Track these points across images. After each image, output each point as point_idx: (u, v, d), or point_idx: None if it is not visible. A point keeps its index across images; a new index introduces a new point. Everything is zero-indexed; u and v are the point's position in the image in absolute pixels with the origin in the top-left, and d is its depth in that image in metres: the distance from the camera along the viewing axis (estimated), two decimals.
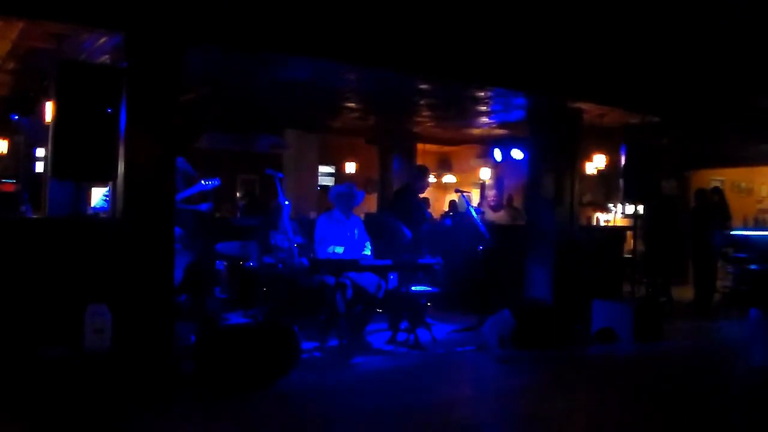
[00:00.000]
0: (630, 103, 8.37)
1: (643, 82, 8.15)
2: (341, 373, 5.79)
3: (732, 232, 10.79)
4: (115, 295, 4.85)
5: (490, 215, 13.29)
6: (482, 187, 15.34)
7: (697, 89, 8.69)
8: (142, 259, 5.09)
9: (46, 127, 5.31)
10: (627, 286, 8.84)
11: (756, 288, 9.96)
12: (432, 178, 11.43)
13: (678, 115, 9.09)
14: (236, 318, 6.64)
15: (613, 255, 9.01)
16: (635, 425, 4.80)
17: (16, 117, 8.45)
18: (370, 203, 13.66)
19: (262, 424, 4.51)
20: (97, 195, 7.60)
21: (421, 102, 9.10)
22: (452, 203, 13.07)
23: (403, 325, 6.92)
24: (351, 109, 9.79)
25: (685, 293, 10.80)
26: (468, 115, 10.13)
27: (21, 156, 9.76)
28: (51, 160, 4.72)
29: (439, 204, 14.76)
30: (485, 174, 15.11)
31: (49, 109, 5.54)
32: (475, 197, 14.45)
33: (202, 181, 6.92)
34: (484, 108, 9.29)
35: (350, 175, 14.90)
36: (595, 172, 12.72)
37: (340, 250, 6.69)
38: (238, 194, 14.47)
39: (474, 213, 8.14)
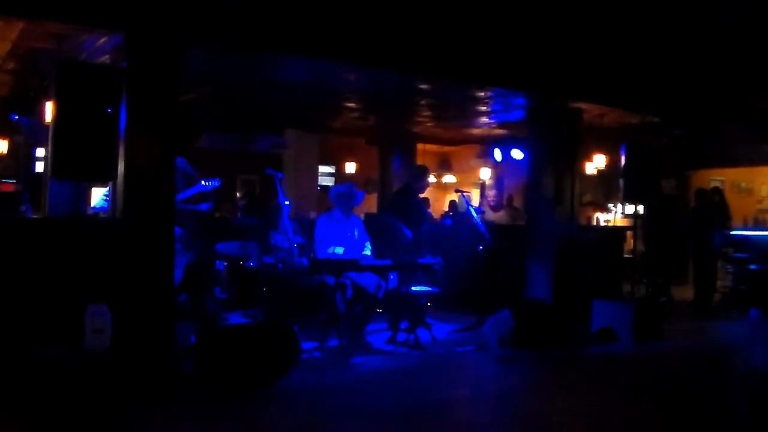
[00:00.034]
0: (630, 103, 8.37)
1: (643, 82, 8.15)
2: (341, 373, 5.79)
3: (732, 232, 10.79)
4: (115, 295, 4.85)
5: (490, 215, 13.30)
6: (482, 187, 15.34)
7: (697, 89, 8.70)
8: (142, 259, 5.09)
9: (46, 127, 5.30)
10: (627, 286, 8.84)
11: (756, 288, 9.96)
12: (432, 178, 11.45)
13: (678, 115, 9.10)
14: (236, 318, 6.63)
15: (613, 255, 9.01)
16: (635, 425, 4.80)
17: (16, 117, 8.44)
18: (370, 203, 13.66)
19: (262, 424, 4.51)
20: (97, 195, 7.61)
21: (421, 102, 9.10)
22: (452, 203, 13.08)
23: (403, 325, 6.92)
24: (351, 109, 9.80)
25: (685, 293, 10.80)
26: (468, 115, 10.13)
27: (21, 156, 9.76)
28: (51, 160, 4.72)
29: (439, 204, 14.77)
30: (485, 174, 15.11)
31: (49, 109, 5.54)
32: (475, 197, 14.46)
33: (203, 182, 6.92)
34: (484, 108, 9.30)
35: (350, 175, 14.89)
36: (595, 172, 12.72)
37: (340, 250, 6.69)
38: (238, 194, 14.47)
39: (474, 213, 8.14)
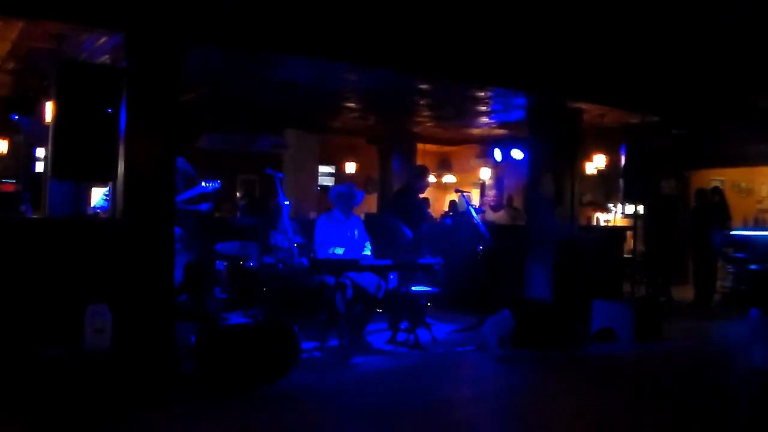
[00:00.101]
0: (630, 103, 8.37)
1: (643, 82, 8.15)
2: (341, 373, 5.79)
3: (732, 232, 10.79)
4: (115, 295, 4.85)
5: (490, 215, 13.30)
6: (482, 187, 15.34)
7: (697, 89, 8.70)
8: (142, 259, 5.09)
9: (46, 127, 5.30)
10: (627, 286, 8.84)
11: (756, 288, 9.96)
12: (432, 178, 11.45)
13: (678, 115, 9.10)
14: (236, 318, 6.64)
15: (613, 255, 9.01)
16: (635, 425, 4.80)
17: (16, 117, 8.45)
18: (370, 203, 13.67)
19: (262, 424, 4.51)
20: (97, 195, 7.62)
21: (421, 102, 9.10)
22: (452, 203, 13.08)
23: (403, 325, 6.91)
24: (351, 109, 9.80)
25: (685, 293, 10.80)
26: (468, 115, 10.14)
27: (21, 156, 9.76)
28: (51, 160, 4.72)
29: (439, 204, 14.77)
30: (485, 174, 15.12)
31: (49, 109, 5.54)
32: (475, 197, 14.46)
33: (203, 183, 6.93)
34: (484, 108, 9.30)
35: (350, 175, 14.90)
36: (595, 172, 12.71)
37: (340, 250, 6.69)
38: (238, 194, 14.48)
39: (474, 213, 8.14)
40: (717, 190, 11.25)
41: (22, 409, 4.27)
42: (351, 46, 6.17)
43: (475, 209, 8.45)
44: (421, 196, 8.45)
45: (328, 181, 15.45)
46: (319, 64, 6.69)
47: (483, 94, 8.27)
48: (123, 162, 4.98)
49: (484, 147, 14.13)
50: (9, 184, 9.86)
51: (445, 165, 16.25)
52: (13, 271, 4.77)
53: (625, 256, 9.45)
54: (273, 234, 7.19)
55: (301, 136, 13.01)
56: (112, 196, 6.15)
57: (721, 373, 6.44)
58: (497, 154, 12.16)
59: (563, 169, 8.06)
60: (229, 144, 12.13)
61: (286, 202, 7.07)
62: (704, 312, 9.99)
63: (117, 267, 4.99)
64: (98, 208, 7.53)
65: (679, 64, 8.22)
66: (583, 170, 11.26)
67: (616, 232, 10.06)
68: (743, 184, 13.30)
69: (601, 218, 13.58)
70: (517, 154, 11.35)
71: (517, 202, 13.37)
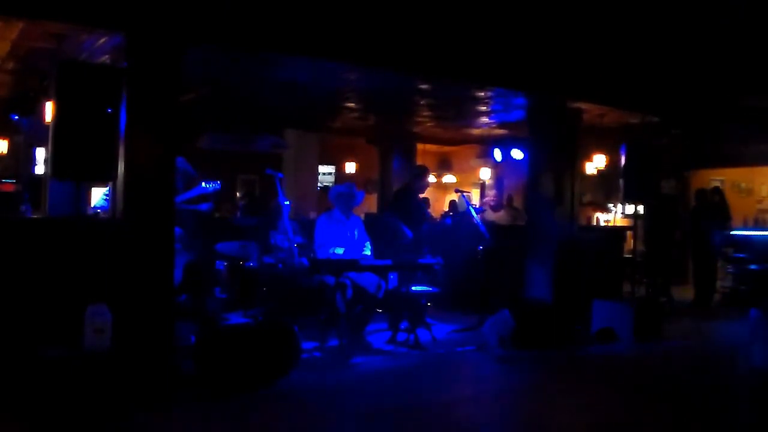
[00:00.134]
0: (630, 103, 8.37)
1: (643, 82, 8.15)
2: (341, 373, 5.79)
3: (732, 232, 10.79)
4: (115, 295, 4.85)
5: (490, 215, 13.30)
6: (482, 187, 15.34)
7: (696, 89, 8.69)
8: (142, 259, 5.09)
9: (46, 127, 5.30)
10: (627, 286, 8.83)
11: (756, 288, 9.96)
12: (432, 178, 11.45)
13: (678, 115, 9.09)
14: (236, 318, 6.63)
15: (613, 255, 9.01)
16: (635, 425, 4.81)
17: (16, 117, 8.44)
18: (370, 203, 13.66)
19: (262, 425, 4.51)
20: (97, 195, 7.61)
21: (421, 102, 9.10)
22: (452, 203, 13.08)
23: (403, 325, 6.92)
24: (351, 109, 9.79)
25: (685, 293, 10.81)
26: (468, 115, 10.13)
27: (21, 156, 9.76)
28: (51, 160, 4.72)
29: (439, 204, 14.77)
30: (485, 174, 15.12)
31: (49, 109, 5.53)
32: (475, 197, 14.46)
33: (203, 184, 6.92)
34: (484, 108, 9.30)
35: (350, 175, 14.91)
36: (595, 172, 12.72)
37: (340, 250, 6.69)
38: (238, 194, 14.48)
39: (474, 213, 8.14)
40: (717, 190, 11.25)
41: (22, 409, 4.27)
42: (351, 46, 6.17)
43: (475, 209, 8.45)
44: (421, 196, 8.45)
45: (328, 181, 15.45)
46: (319, 64, 6.69)
47: (483, 94, 8.26)
48: (123, 162, 4.97)
49: (484, 147, 14.13)
50: (9, 184, 9.85)
51: (445, 165, 16.24)
52: (13, 271, 4.78)
53: (625, 256, 9.45)
54: (273, 234, 7.18)
55: (301, 136, 13.01)
56: (112, 196, 6.15)
57: (721, 373, 6.44)
58: (497, 154, 12.15)
59: (563, 169, 8.06)
60: (229, 144, 12.12)
61: (286, 202, 7.07)
62: (704, 312, 9.99)
63: (117, 267, 4.99)
64: (98, 208, 7.53)
65: (678, 64, 8.21)
66: (583, 170, 11.28)
67: (616, 232, 10.06)
68: (743, 184, 13.30)
69: (601, 218, 13.59)
70: (517, 154, 11.35)
71: (517, 202, 13.36)
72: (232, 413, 4.59)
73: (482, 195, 15.08)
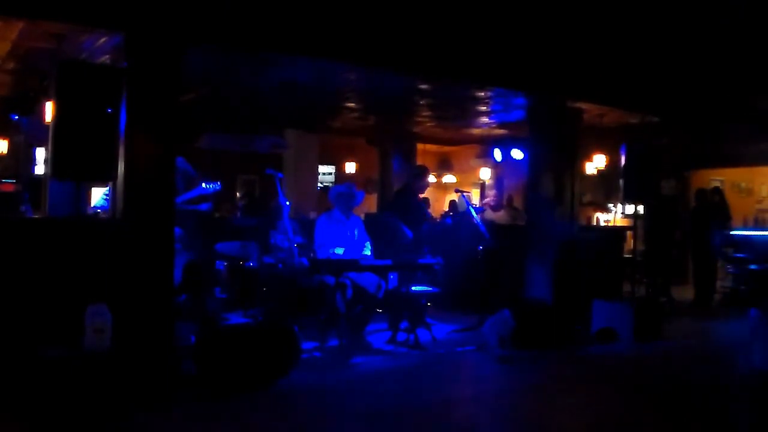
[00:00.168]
0: (630, 103, 8.37)
1: (643, 82, 8.15)
2: (341, 373, 5.79)
3: (732, 232, 10.79)
4: (115, 295, 4.85)
5: (490, 215, 13.29)
6: (482, 187, 15.34)
7: (697, 89, 8.69)
8: (142, 259, 5.09)
9: (46, 127, 5.30)
10: (627, 286, 8.83)
11: (756, 288, 9.96)
12: (432, 178, 11.44)
13: (678, 115, 9.09)
14: (236, 318, 6.63)
15: (613, 255, 9.00)
16: (635, 425, 4.81)
17: (16, 117, 8.44)
18: (370, 203, 13.66)
19: (262, 425, 4.51)
20: (97, 195, 7.61)
21: (421, 102, 9.10)
22: (452, 203, 13.07)
23: (403, 325, 6.92)
24: (351, 109, 9.79)
25: (685, 293, 10.81)
26: (468, 115, 10.13)
27: (21, 156, 9.75)
28: (51, 160, 4.72)
29: (439, 204, 14.77)
30: (485, 174, 15.11)
31: (49, 109, 5.54)
32: (475, 197, 14.45)
33: (203, 185, 6.92)
34: (484, 108, 9.30)
35: (350, 175, 14.90)
36: (595, 172, 12.71)
37: (340, 250, 6.69)
38: (238, 194, 14.47)
39: (474, 213, 8.14)
40: (717, 190, 11.25)
41: (22, 409, 4.27)
42: (351, 46, 6.17)
43: (475, 209, 8.45)
44: (421, 196, 8.44)
45: (328, 181, 15.45)
46: (319, 64, 6.69)
47: (483, 94, 8.26)
48: (123, 162, 4.98)
49: (484, 147, 14.13)
50: (9, 184, 9.85)
51: (445, 165, 16.24)
52: (13, 271, 4.77)
53: (625, 256, 9.45)
54: (273, 234, 7.18)
55: (301, 136, 13.00)
56: (112, 196, 6.15)
57: (721, 373, 6.44)
58: (497, 154, 12.14)
59: (563, 169, 8.06)
60: (229, 144, 12.12)
61: (287, 203, 7.07)
62: (704, 312, 9.99)
63: (117, 267, 4.99)
64: (98, 208, 7.53)
65: (679, 64, 8.21)
66: (583, 170, 11.27)
67: (616, 232, 10.06)
68: (743, 184, 13.30)
69: (601, 218, 13.58)
70: (517, 154, 11.34)
71: (517, 202, 13.36)
72: (232, 413, 4.59)
73: (482, 195, 15.07)
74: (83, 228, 5.20)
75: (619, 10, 7.20)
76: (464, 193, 8.46)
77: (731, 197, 11.64)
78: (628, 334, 7.37)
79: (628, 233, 9.54)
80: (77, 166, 4.72)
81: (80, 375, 4.41)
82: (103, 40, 5.46)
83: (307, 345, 6.01)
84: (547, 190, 8.03)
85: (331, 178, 15.79)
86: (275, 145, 12.53)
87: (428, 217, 8.83)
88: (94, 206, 7.57)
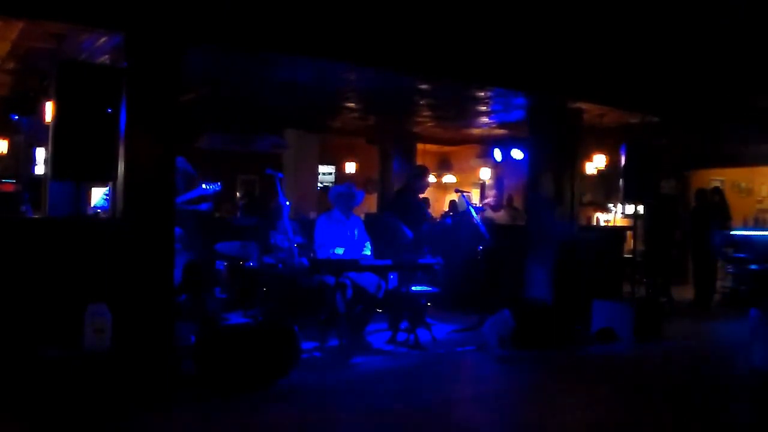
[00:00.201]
0: (630, 103, 8.37)
1: (643, 82, 8.15)
2: (341, 373, 5.79)
3: (732, 232, 10.79)
4: (115, 295, 4.85)
5: (490, 215, 13.29)
6: (482, 187, 15.34)
7: (696, 89, 8.69)
8: (142, 259, 5.09)
9: (46, 127, 5.31)
10: (627, 286, 8.84)
11: (756, 288, 9.96)
12: (432, 178, 11.44)
13: (678, 115, 9.09)
14: (236, 318, 6.64)
15: (613, 255, 9.01)
16: (635, 425, 4.81)
17: (16, 117, 8.45)
18: (370, 203, 13.66)
19: (262, 425, 4.51)
20: (97, 195, 7.61)
21: (421, 102, 9.09)
22: (452, 203, 13.07)
23: (403, 325, 6.91)
24: (351, 109, 9.79)
25: (685, 293, 10.81)
26: (468, 115, 10.13)
27: (21, 156, 9.75)
28: (51, 161, 4.72)
29: (439, 204, 14.77)
30: (485, 174, 15.11)
31: (49, 109, 5.54)
32: (475, 197, 14.45)
33: (203, 186, 6.93)
34: (484, 108, 9.29)
35: (350, 175, 14.90)
36: (595, 172, 12.72)
37: (340, 250, 6.69)
38: (238, 194, 14.47)
39: (474, 213, 8.13)
40: (717, 190, 11.25)
41: (22, 409, 4.27)
42: (351, 46, 6.17)
43: (475, 209, 8.45)
44: (421, 196, 8.45)
45: (328, 181, 15.45)
46: (319, 64, 6.69)
47: (483, 94, 8.26)
48: (123, 162, 4.98)
49: (484, 147, 14.13)
50: (9, 184, 9.86)
51: (445, 165, 16.24)
52: (13, 271, 4.77)
53: (625, 256, 9.46)
54: (273, 234, 7.19)
55: (301, 136, 13.00)
56: (112, 196, 6.15)
57: (721, 373, 6.44)
58: (497, 154, 12.15)
59: (563, 169, 8.06)
60: (229, 144, 12.12)
61: (287, 203, 7.07)
62: (704, 312, 10.00)
63: (117, 267, 4.99)
64: (98, 208, 7.53)
65: (678, 64, 8.21)
66: (583, 170, 11.27)
67: (616, 232, 10.07)
68: (743, 184, 13.31)
69: (601, 218, 13.59)
70: (517, 154, 11.34)
71: (517, 202, 13.37)
72: (232, 413, 4.59)
73: (482, 195, 15.07)
74: (83, 228, 5.20)
75: (619, 10, 7.20)
76: (464, 193, 8.46)
77: (731, 197, 11.64)
78: (628, 334, 7.37)
79: (628, 233, 9.54)
80: (77, 166, 4.72)
81: (80, 375, 4.41)
82: (103, 40, 5.46)
83: (307, 345, 6.01)
84: (547, 190, 8.03)
85: (331, 178, 15.79)
86: (275, 145, 12.54)
87: (428, 217, 8.84)
88: (94, 206, 7.58)
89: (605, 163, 12.35)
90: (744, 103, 9.15)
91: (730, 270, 10.73)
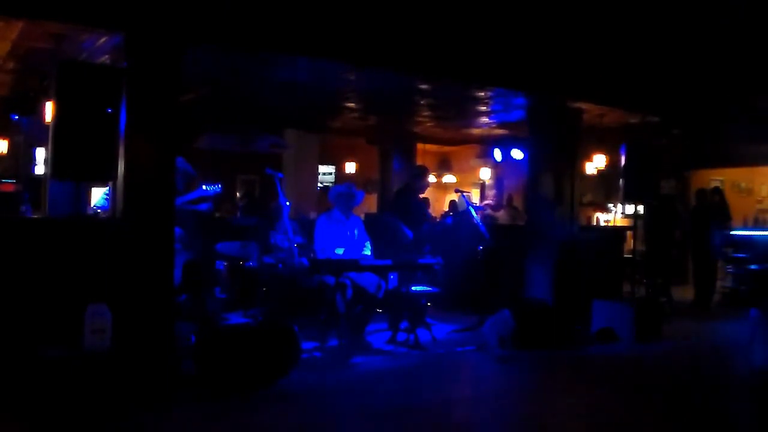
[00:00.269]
0: (630, 103, 8.37)
1: (643, 82, 8.15)
2: (341, 373, 5.79)
3: (732, 232, 10.79)
4: (115, 295, 4.85)
5: (490, 214, 13.30)
6: (482, 187, 15.34)
7: (697, 89, 8.69)
8: (142, 259, 5.10)
9: (46, 127, 5.30)
10: (627, 286, 8.83)
11: (756, 288, 9.96)
12: (432, 178, 11.45)
13: (678, 115, 9.10)
14: (236, 318, 6.63)
15: (613, 255, 9.00)
16: (635, 425, 4.80)
17: (16, 117, 8.45)
18: (370, 203, 13.66)
19: (262, 424, 4.51)
20: (97, 195, 7.61)
21: (421, 102, 9.10)
22: (452, 203, 13.07)
23: (403, 325, 6.92)
24: (351, 109, 9.79)
25: (685, 293, 10.80)
26: (468, 115, 10.13)
27: (21, 156, 9.76)
28: (51, 160, 4.72)
29: (439, 204, 14.77)
30: (485, 174, 15.12)
31: (49, 109, 5.54)
32: (475, 197, 14.46)
33: (204, 187, 6.93)
34: (484, 108, 9.30)
35: (350, 175, 14.91)
36: (595, 172, 12.72)
37: (340, 250, 6.69)
38: (238, 194, 14.48)
39: (474, 212, 8.13)
40: (717, 190, 11.25)
41: (22, 409, 4.27)
42: (351, 46, 6.17)
43: (475, 208, 8.45)
44: (421, 196, 8.45)
45: (328, 181, 15.45)
46: (319, 64, 6.69)
47: (483, 94, 8.26)
48: (123, 162, 4.98)
49: (484, 147, 14.13)
50: (9, 184, 9.85)
51: (445, 165, 16.24)
52: (13, 271, 4.77)
53: (625, 256, 9.45)
54: (273, 234, 7.19)
55: (301, 136, 13.01)
56: (112, 196, 6.15)
57: (721, 373, 6.44)
58: (497, 154, 12.15)
59: (563, 169, 8.06)
60: (229, 144, 12.11)
61: (287, 203, 7.07)
62: (704, 312, 9.99)
63: (117, 267, 4.99)
64: (98, 208, 7.54)
65: (679, 64, 8.21)
66: (583, 170, 11.28)
67: (616, 232, 10.06)
68: (743, 184, 13.31)
69: (601, 218, 13.59)
70: (517, 154, 11.34)
71: (517, 202, 13.37)
72: (232, 413, 4.59)
73: (482, 195, 15.08)
74: (83, 228, 5.20)
75: (619, 10, 7.20)
76: (464, 193, 8.46)
77: (731, 197, 11.64)
78: (628, 334, 7.37)
79: (628, 233, 9.54)
80: (77, 166, 4.72)
81: (80, 375, 4.41)
82: (103, 40, 5.46)
83: (307, 345, 6.01)
84: (547, 190, 8.03)
85: (331, 178, 15.79)
86: (275, 145, 12.53)
87: (428, 217, 8.84)
88: (94, 206, 7.58)
89: (605, 163, 12.36)
90: (744, 103, 9.15)
91: (730, 270, 10.73)
